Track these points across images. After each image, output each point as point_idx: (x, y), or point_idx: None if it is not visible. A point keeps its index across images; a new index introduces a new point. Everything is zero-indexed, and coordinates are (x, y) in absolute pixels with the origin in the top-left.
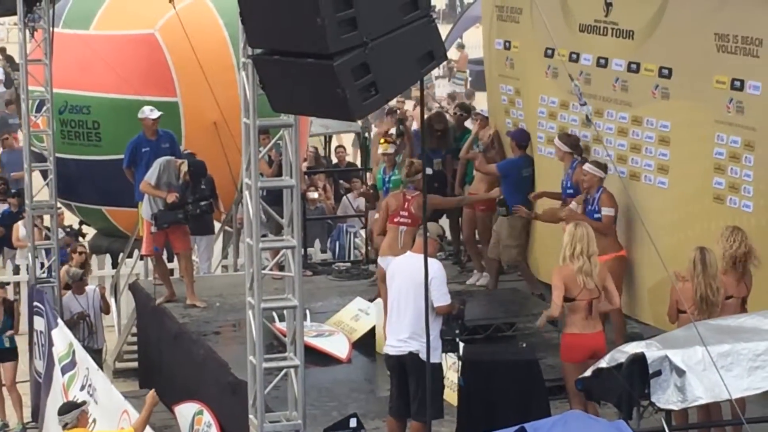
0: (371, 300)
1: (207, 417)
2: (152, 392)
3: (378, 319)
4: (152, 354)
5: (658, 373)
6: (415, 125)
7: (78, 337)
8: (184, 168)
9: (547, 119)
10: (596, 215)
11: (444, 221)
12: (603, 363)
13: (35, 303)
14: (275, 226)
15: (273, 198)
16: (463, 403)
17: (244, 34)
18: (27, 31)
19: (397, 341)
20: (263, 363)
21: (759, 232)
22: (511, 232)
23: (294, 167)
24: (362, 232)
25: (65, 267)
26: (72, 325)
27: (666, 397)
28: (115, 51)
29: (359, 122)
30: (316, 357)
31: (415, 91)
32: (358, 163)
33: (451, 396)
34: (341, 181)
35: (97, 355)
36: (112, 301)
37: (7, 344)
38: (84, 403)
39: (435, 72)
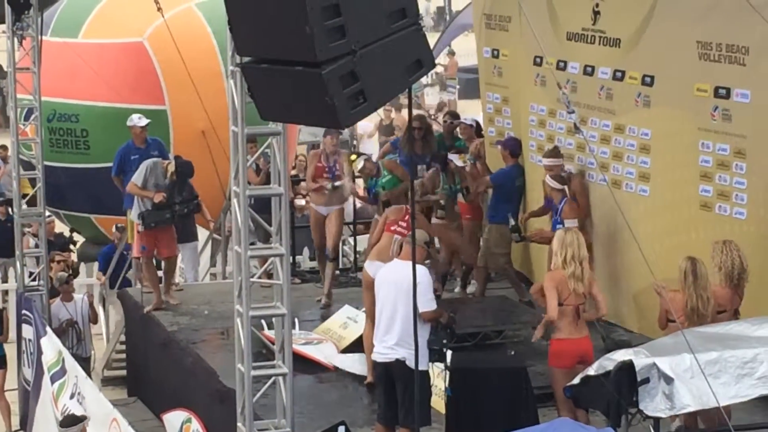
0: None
1: (195, 425)
2: None
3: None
4: (141, 362)
5: (647, 380)
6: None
7: (66, 344)
8: (171, 168)
9: (537, 127)
10: (558, 226)
11: None
12: (591, 370)
13: (23, 311)
14: (263, 234)
15: (261, 206)
16: (451, 411)
17: (232, 42)
18: (15, 39)
19: (384, 348)
20: (252, 371)
21: (754, 240)
22: (499, 241)
23: (282, 175)
24: (351, 240)
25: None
26: (61, 332)
27: (654, 405)
28: (104, 59)
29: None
30: (304, 365)
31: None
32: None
33: (438, 403)
34: None
35: (85, 362)
36: (100, 310)
37: None
38: (85, 417)
39: (424, 80)
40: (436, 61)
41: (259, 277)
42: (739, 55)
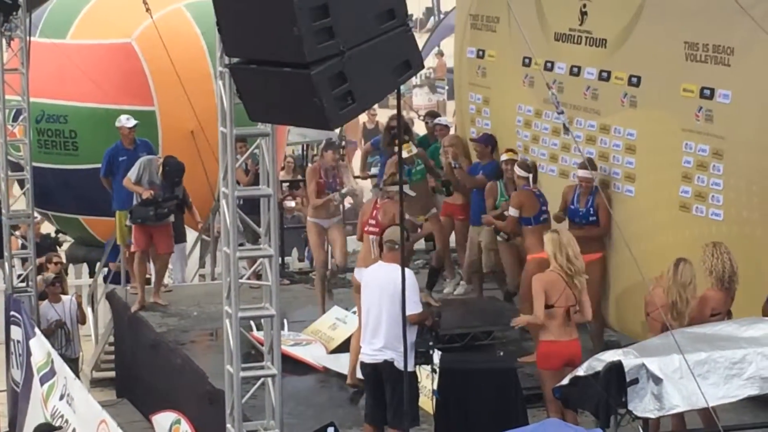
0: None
1: (184, 426)
2: None
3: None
4: (130, 363)
5: (635, 381)
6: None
7: (55, 345)
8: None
9: (523, 128)
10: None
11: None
12: (580, 371)
13: (12, 312)
14: (252, 235)
15: (250, 207)
16: (440, 412)
17: (221, 43)
18: (3, 40)
19: (372, 350)
20: (240, 372)
21: (729, 241)
22: (493, 238)
23: (271, 176)
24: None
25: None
26: (49, 333)
27: (643, 405)
28: (92, 60)
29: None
30: (293, 366)
31: (392, 100)
32: None
33: (426, 403)
34: None
35: (73, 364)
36: (89, 311)
37: None
38: (60, 428)
39: (413, 81)
40: (425, 63)
41: (248, 278)
42: (724, 55)
